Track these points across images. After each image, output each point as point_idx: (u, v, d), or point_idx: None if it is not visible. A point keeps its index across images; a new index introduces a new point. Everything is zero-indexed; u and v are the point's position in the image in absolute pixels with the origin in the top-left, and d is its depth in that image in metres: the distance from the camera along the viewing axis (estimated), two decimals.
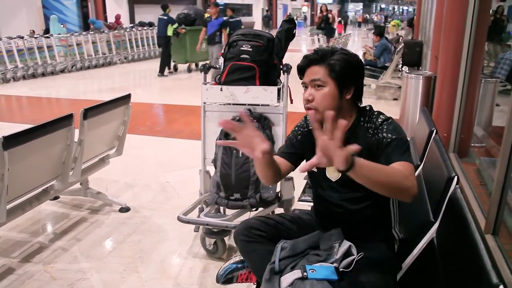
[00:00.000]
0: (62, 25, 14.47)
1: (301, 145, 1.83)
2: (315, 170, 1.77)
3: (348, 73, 1.64)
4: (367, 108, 1.73)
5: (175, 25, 10.72)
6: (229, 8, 10.89)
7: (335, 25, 24.97)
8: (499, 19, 7.08)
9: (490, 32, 5.37)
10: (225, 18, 9.51)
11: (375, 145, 1.59)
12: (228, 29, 9.13)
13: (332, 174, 1.72)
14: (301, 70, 1.70)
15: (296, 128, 1.88)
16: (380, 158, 1.55)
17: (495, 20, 6.84)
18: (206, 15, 9.98)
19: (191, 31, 11.17)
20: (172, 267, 2.75)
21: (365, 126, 1.66)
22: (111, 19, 19.32)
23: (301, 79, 1.72)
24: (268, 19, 22.92)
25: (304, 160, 1.84)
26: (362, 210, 1.69)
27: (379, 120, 1.65)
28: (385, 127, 1.61)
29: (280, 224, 1.84)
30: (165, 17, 10.68)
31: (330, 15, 14.16)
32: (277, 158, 1.82)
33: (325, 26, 14.29)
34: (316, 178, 1.80)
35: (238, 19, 11.83)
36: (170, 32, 10.62)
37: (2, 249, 2.92)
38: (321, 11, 14.43)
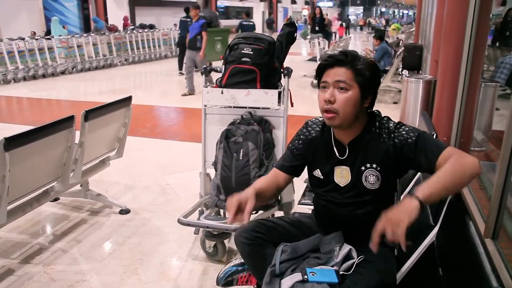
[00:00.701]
0: (63, 27, 14.51)
1: (303, 155, 1.83)
2: (322, 177, 1.77)
3: (372, 81, 1.63)
4: (375, 112, 1.72)
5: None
6: (244, 12, 11.67)
7: (335, 28, 25.11)
8: (510, 22, 6.95)
9: (500, 37, 5.33)
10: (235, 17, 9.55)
11: (398, 147, 1.58)
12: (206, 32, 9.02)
13: (341, 180, 1.72)
14: (323, 69, 1.66)
15: (296, 138, 1.86)
16: (416, 158, 1.56)
17: (505, 23, 6.72)
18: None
19: (208, 33, 11.36)
20: (171, 269, 2.75)
21: (376, 131, 1.66)
22: (112, 21, 19.36)
23: (318, 78, 1.68)
24: (271, 22, 22.97)
25: (306, 168, 1.85)
26: (366, 215, 1.69)
27: (390, 123, 1.66)
28: (401, 129, 1.62)
29: (280, 227, 1.84)
30: (188, 19, 10.58)
31: (325, 18, 13.80)
32: (276, 172, 1.85)
33: (320, 29, 13.82)
34: (321, 183, 1.79)
35: (251, 23, 12.81)
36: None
37: (2, 250, 2.92)
38: (314, 13, 14.02)
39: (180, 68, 11.37)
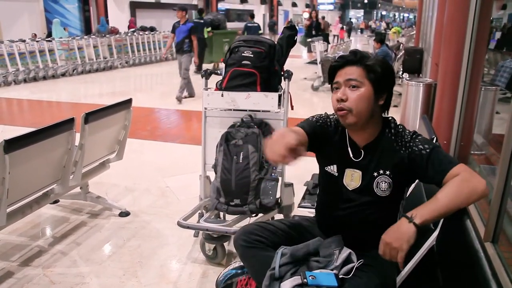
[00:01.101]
0: (64, 29, 14.54)
1: (322, 132, 1.76)
2: (336, 173, 1.73)
3: (384, 77, 1.63)
4: (391, 119, 1.73)
5: (209, 28, 11.99)
6: (249, 15, 12.57)
7: (336, 31, 25.24)
8: None
9: (506, 41, 5.31)
10: (231, 19, 9.55)
11: (412, 158, 1.59)
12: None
13: (350, 183, 1.71)
14: (334, 71, 1.66)
15: (323, 121, 1.78)
16: (426, 170, 1.56)
17: None
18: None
19: (216, 34, 12.68)
20: (171, 272, 2.75)
21: (391, 138, 1.66)
22: (112, 23, 19.40)
23: (330, 81, 1.69)
24: (273, 24, 23.14)
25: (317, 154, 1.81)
26: (369, 219, 1.69)
27: (406, 132, 1.66)
28: (417, 140, 1.62)
29: (280, 230, 1.83)
30: (202, 21, 11.73)
31: (321, 21, 13.66)
32: (297, 130, 1.71)
33: (317, 33, 13.78)
34: (330, 183, 1.77)
35: (256, 24, 13.08)
36: (206, 34, 11.71)
37: (2, 252, 2.92)
38: (310, 17, 13.82)
39: (199, 68, 11.54)
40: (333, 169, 1.75)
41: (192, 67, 8.37)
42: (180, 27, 8.02)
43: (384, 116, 1.72)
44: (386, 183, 1.64)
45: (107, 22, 19.07)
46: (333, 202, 1.76)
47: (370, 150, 1.68)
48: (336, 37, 24.72)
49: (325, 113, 1.84)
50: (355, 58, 1.62)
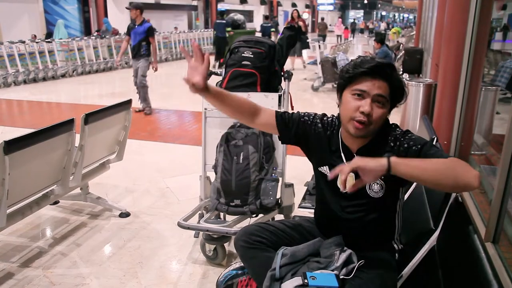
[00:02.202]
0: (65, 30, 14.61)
1: (305, 133, 1.77)
2: (328, 173, 1.73)
3: (401, 97, 1.61)
4: (393, 125, 1.68)
5: (229, 28, 13.69)
6: (264, 16, 13.91)
7: (340, 31, 25.67)
8: None
9: None
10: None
11: (403, 155, 1.53)
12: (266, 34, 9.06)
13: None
14: (356, 74, 1.57)
15: (310, 120, 1.79)
16: None
17: None
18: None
19: (236, 34, 14.12)
20: (171, 273, 2.75)
21: (385, 140, 1.63)
22: (112, 24, 19.38)
23: (347, 79, 1.60)
24: (275, 25, 23.34)
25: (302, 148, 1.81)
26: (366, 221, 1.68)
27: (398, 131, 1.64)
28: (407, 138, 1.59)
29: (280, 230, 1.83)
30: (224, 21, 13.46)
31: (301, 23, 11.60)
32: (266, 110, 1.79)
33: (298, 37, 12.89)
34: (324, 184, 1.77)
35: (269, 24, 14.49)
36: (227, 33, 13.55)
37: (2, 253, 2.92)
38: (292, 18, 12.01)
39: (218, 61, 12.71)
40: (325, 169, 1.75)
41: (150, 72, 7.13)
42: (136, 28, 6.86)
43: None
44: (378, 185, 1.63)
45: (100, 23, 19.17)
46: (329, 203, 1.76)
47: (363, 154, 1.65)
48: (339, 37, 25.39)
49: (322, 114, 1.82)
50: (388, 71, 1.56)
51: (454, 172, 1.37)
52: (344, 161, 1.67)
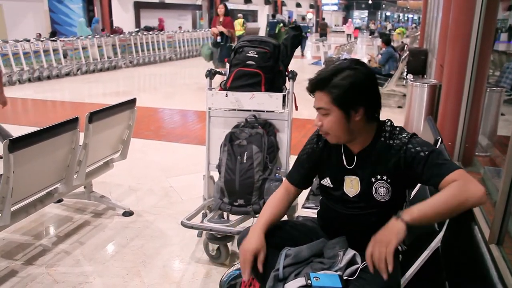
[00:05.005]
0: (88, 28, 14.83)
1: (314, 165, 1.82)
2: (331, 185, 1.76)
3: (352, 97, 1.56)
4: (387, 122, 1.68)
5: (281, 24, 16.47)
6: (272, 14, 14.94)
7: (350, 31, 27.06)
8: None
9: None
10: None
11: (409, 161, 1.55)
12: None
13: (350, 190, 1.70)
14: (312, 92, 1.66)
15: (308, 147, 1.84)
16: (422, 172, 1.53)
17: None
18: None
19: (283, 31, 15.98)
20: (174, 272, 2.75)
21: (386, 142, 1.62)
22: (117, 23, 19.47)
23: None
24: (282, 22, 23.75)
25: (317, 176, 1.86)
26: (371, 223, 1.67)
27: (403, 135, 1.62)
28: (415, 142, 1.58)
29: (284, 230, 1.83)
30: (275, 20, 17.11)
31: (222, 29, 8.77)
32: (288, 187, 1.86)
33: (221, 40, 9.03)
34: (331, 191, 1.78)
35: (275, 20, 17.02)
36: (277, 30, 16.32)
37: (5, 251, 2.93)
38: (217, 14, 9.17)
39: None
40: (327, 181, 1.77)
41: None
42: None
43: (378, 119, 1.67)
44: (384, 188, 1.62)
45: (111, 22, 19.24)
46: (335, 210, 1.76)
47: (364, 156, 1.66)
48: (349, 36, 27.13)
49: (316, 132, 1.84)
50: (318, 82, 1.60)
51: (463, 198, 1.41)
52: (345, 163, 1.70)
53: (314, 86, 1.61)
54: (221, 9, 8.90)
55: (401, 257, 1.77)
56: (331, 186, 1.75)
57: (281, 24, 16.80)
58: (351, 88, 1.55)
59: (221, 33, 8.79)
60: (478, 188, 1.41)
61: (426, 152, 1.53)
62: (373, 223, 1.66)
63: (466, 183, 1.43)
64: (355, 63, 1.61)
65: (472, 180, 1.45)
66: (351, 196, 1.70)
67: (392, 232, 1.42)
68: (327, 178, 1.77)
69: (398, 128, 1.67)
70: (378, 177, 1.63)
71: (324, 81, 1.58)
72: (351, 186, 1.69)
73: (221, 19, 8.77)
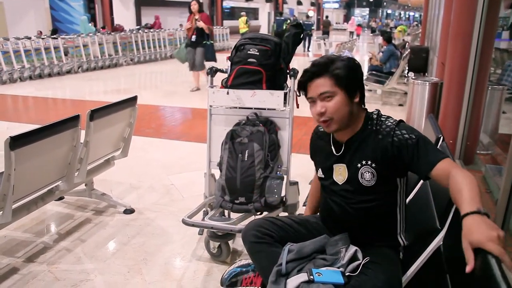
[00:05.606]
0: (90, 24, 14.81)
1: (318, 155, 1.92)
2: (323, 175, 1.82)
3: (353, 78, 1.67)
4: (375, 112, 1.75)
5: (288, 21, 16.75)
6: (278, 12, 16.01)
7: (353, 28, 27.70)
8: None
9: None
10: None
11: (396, 147, 1.59)
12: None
13: (339, 177, 1.75)
14: (304, 85, 1.71)
15: (311, 145, 1.97)
16: (412, 160, 1.57)
17: None
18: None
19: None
20: (175, 269, 2.75)
21: (373, 129, 1.68)
22: (117, 20, 19.45)
23: (304, 95, 1.74)
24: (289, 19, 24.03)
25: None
26: (367, 216, 1.70)
27: (389, 121, 1.68)
28: (402, 128, 1.63)
29: (288, 225, 1.86)
30: (282, 18, 18.07)
31: (202, 24, 8.22)
32: (316, 177, 2.02)
33: (198, 40, 8.45)
34: (324, 182, 1.85)
35: (311, 22, 17.37)
36: (284, 27, 16.17)
37: (7, 248, 2.93)
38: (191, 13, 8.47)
39: None
40: (320, 173, 1.85)
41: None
42: None
43: (365, 109, 1.75)
44: (369, 173, 1.66)
45: (112, 20, 19.24)
46: (329, 199, 1.81)
47: (351, 143, 1.72)
48: (352, 34, 27.88)
49: (315, 129, 1.97)
50: (318, 69, 1.66)
51: (475, 182, 1.42)
52: (334, 151, 1.77)
53: (316, 73, 1.66)
54: (194, 6, 8.24)
55: (403, 254, 1.78)
56: (323, 176, 1.82)
57: (288, 22, 17.05)
58: (350, 71, 1.66)
59: (201, 31, 8.27)
60: (470, 174, 1.45)
61: (414, 140, 1.58)
62: (369, 214, 1.69)
63: (462, 171, 1.46)
64: (341, 56, 1.74)
65: (459, 167, 1.51)
66: (340, 183, 1.75)
67: (490, 224, 1.24)
68: (320, 170, 1.85)
69: (385, 116, 1.73)
70: (363, 162, 1.67)
71: (325, 66, 1.65)
72: (340, 173, 1.75)
73: (196, 17, 8.24)
